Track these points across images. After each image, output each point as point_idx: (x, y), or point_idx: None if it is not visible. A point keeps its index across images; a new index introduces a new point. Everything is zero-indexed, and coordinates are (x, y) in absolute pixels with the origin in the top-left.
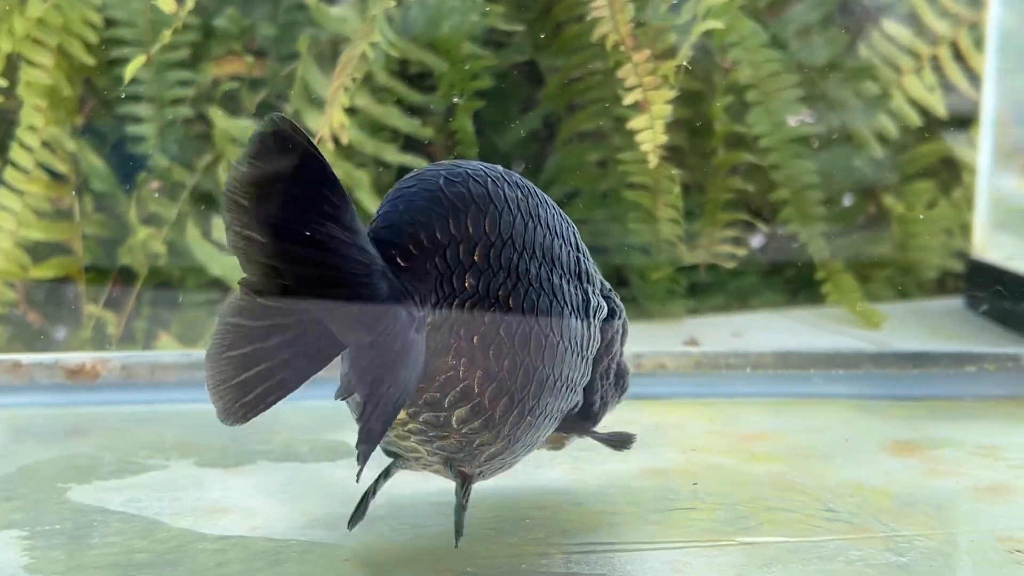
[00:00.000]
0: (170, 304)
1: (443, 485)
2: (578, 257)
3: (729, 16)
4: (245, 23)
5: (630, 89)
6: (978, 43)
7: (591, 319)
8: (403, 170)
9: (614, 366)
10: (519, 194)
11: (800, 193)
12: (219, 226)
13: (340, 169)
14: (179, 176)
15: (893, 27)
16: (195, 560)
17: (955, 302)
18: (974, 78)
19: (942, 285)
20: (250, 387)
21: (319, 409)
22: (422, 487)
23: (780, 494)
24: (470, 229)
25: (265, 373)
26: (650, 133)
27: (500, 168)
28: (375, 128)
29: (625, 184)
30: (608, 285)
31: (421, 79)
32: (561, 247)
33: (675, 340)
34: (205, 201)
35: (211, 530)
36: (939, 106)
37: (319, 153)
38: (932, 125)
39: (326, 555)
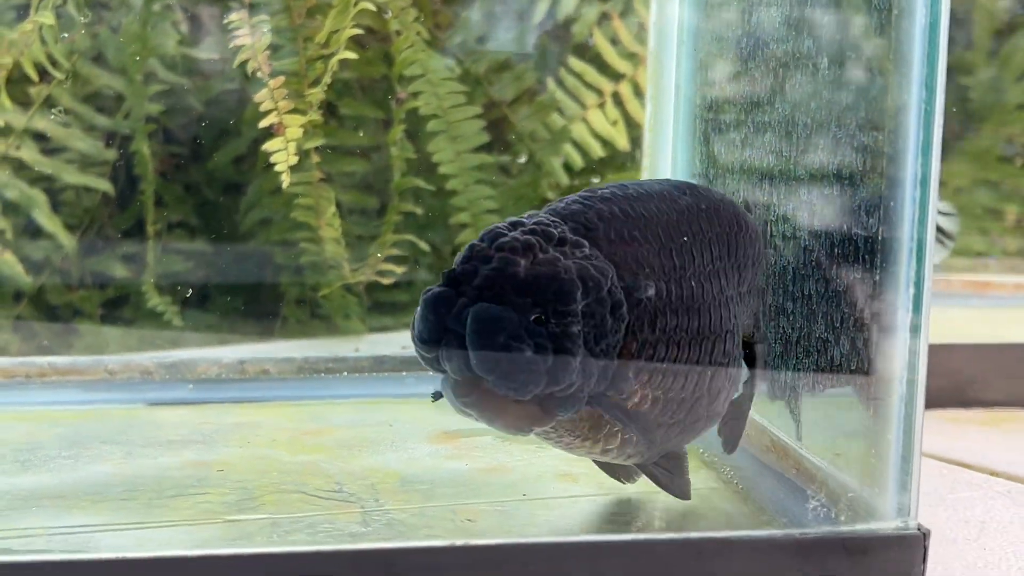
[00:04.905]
0: None
1: None
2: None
3: (412, 51)
4: None
5: (266, 113)
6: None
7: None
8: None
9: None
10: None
11: (480, 217)
12: None
13: (15, 189)
14: None
15: (579, 65)
16: None
17: None
18: None
19: None
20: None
21: None
22: None
23: (300, 479)
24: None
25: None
26: (283, 154)
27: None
28: (58, 150)
29: (294, 205)
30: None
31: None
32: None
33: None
34: None
35: None
36: (622, 139)
37: None
38: (618, 156)
39: None
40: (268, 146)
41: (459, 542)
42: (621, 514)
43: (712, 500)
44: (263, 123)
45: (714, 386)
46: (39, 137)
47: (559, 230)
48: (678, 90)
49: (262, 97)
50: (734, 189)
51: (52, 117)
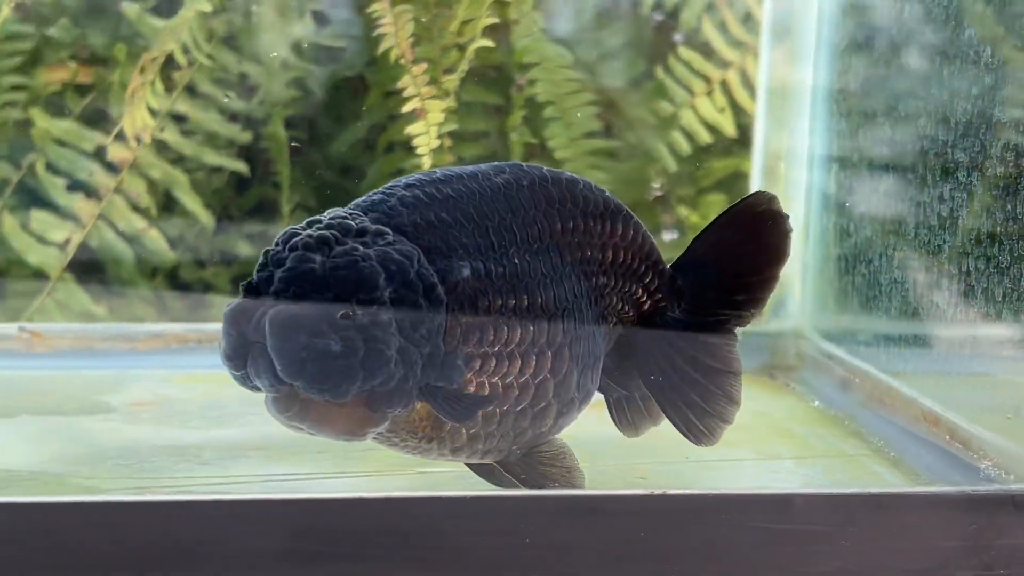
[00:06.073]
0: None
1: None
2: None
3: (531, 40)
4: (76, 33)
5: (409, 98)
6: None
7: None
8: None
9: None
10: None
11: None
12: (38, 219)
13: (158, 169)
14: (2, 173)
15: (687, 53)
16: None
17: None
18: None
19: None
20: None
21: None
22: None
23: None
24: None
25: None
26: (425, 138)
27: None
28: (199, 133)
29: None
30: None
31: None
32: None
33: None
34: (27, 196)
35: None
36: (728, 126)
37: None
38: (725, 143)
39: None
40: (411, 129)
41: (657, 491)
42: (780, 476)
43: (865, 464)
44: (406, 107)
45: (558, 367)
46: (179, 119)
47: (358, 222)
48: (816, 76)
49: (405, 83)
50: (880, 174)
51: (227, 99)
